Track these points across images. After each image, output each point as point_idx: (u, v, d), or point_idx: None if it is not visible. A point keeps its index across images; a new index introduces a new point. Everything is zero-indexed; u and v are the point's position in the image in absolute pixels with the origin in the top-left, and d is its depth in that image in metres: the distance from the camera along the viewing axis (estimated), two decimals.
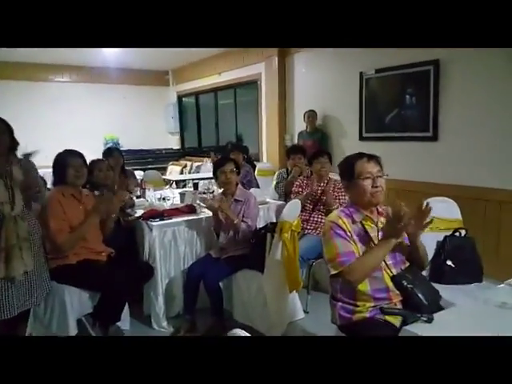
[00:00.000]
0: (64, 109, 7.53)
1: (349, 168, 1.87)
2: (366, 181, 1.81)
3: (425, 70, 3.94)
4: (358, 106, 4.60)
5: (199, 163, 7.50)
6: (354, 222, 1.82)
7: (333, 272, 1.74)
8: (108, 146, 7.80)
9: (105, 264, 2.62)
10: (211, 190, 3.70)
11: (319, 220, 3.11)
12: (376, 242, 1.80)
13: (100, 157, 3.86)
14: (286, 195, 3.84)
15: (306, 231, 3.08)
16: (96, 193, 3.08)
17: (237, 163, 2.83)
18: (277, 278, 2.53)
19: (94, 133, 7.69)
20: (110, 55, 6.53)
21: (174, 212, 3.05)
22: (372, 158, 1.87)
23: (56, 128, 7.34)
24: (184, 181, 5.61)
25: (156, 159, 8.14)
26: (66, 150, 2.67)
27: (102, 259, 2.64)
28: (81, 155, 2.69)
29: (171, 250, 2.87)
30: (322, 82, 5.06)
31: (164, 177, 5.57)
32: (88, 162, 2.93)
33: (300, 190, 3.30)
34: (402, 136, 4.25)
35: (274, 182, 4.18)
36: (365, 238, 1.81)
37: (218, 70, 7.00)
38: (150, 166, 7.57)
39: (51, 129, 7.26)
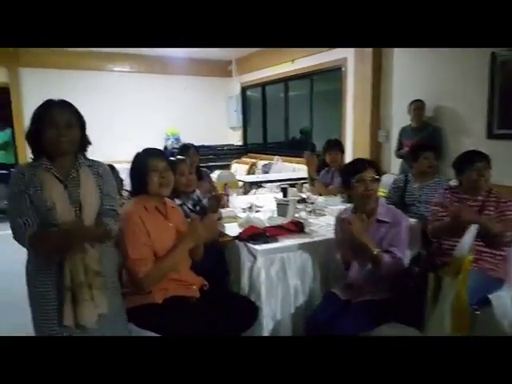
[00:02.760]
0: (123, 100, 7.06)
1: None
2: None
3: None
4: (486, 95, 3.65)
5: (266, 162, 6.78)
6: None
7: None
8: (169, 141, 7.31)
9: (197, 302, 1.91)
10: (311, 200, 2.93)
11: (479, 248, 2.24)
12: None
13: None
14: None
15: None
16: (177, 202, 2.40)
17: (378, 168, 2.01)
18: None
19: (155, 127, 7.17)
20: None
21: (279, 231, 2.30)
22: None
23: (114, 121, 6.90)
24: (258, 183, 4.86)
25: (217, 156, 7.48)
26: (146, 150, 2.00)
27: (194, 295, 1.93)
28: (164, 155, 2.03)
29: (278, 284, 2.12)
30: (433, 66, 4.11)
31: (243, 179, 4.82)
32: None
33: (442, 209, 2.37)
34: None
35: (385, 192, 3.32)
36: None
37: (291, 56, 6.20)
38: (210, 164, 6.95)
39: (109, 122, 6.80)
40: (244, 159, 7.51)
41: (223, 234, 2.31)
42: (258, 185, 4.89)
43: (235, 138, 8.14)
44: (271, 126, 7.49)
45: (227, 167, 7.17)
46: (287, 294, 2.14)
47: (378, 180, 1.98)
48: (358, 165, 2.01)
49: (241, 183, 5.07)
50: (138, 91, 7.19)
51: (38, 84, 6.22)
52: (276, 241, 2.18)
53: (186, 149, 3.49)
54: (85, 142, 1.65)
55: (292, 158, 6.37)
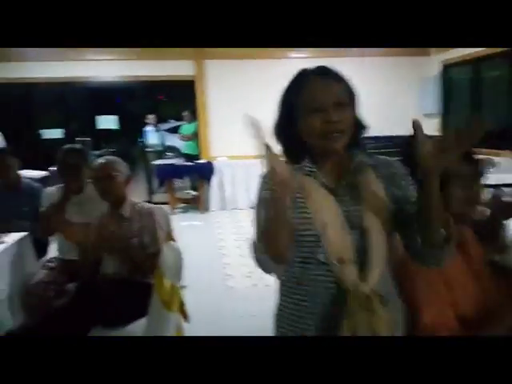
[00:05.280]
0: None
1: None
2: None
3: None
4: None
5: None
6: None
7: None
8: None
9: None
10: None
11: None
12: None
13: None
14: None
15: None
16: None
17: None
18: None
19: None
20: None
21: None
22: None
23: None
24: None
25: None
26: None
27: None
28: None
29: None
30: None
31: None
32: None
33: None
34: None
35: None
36: None
37: None
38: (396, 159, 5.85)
39: None
40: None
41: None
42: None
43: (430, 127, 6.82)
44: (485, 113, 5.97)
45: None
46: None
47: None
48: None
49: None
50: None
51: (221, 75, 6.29)
52: None
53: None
54: (360, 129, 1.07)
55: None
